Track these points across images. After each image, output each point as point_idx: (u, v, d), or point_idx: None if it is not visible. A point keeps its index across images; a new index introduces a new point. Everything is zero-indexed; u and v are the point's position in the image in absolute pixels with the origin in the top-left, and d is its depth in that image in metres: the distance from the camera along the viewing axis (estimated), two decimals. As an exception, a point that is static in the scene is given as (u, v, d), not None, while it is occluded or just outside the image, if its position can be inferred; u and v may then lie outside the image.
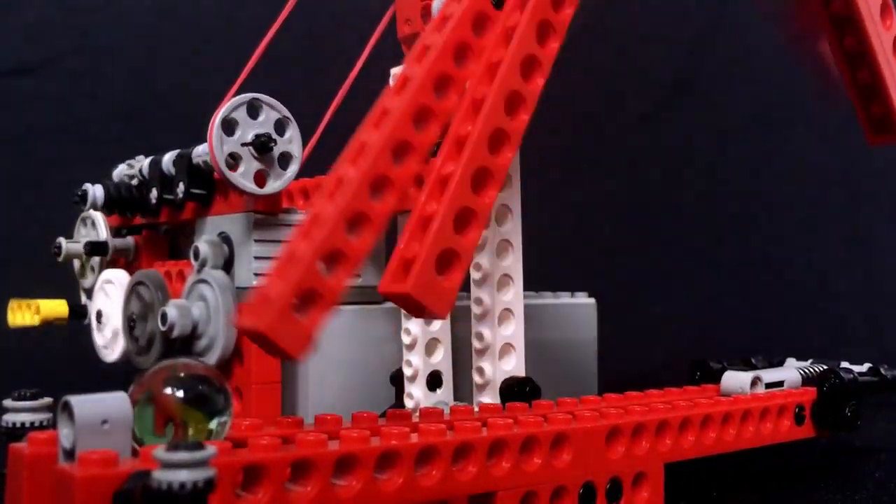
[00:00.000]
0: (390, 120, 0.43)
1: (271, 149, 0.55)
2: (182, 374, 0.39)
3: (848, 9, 0.55)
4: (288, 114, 0.56)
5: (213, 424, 0.39)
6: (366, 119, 0.44)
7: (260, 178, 0.55)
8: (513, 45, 0.47)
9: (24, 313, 0.70)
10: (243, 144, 0.54)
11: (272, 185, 0.55)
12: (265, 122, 0.55)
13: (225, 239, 0.58)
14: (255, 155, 0.55)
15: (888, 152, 1.30)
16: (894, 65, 0.57)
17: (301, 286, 0.39)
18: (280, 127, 0.56)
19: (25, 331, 0.71)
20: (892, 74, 0.57)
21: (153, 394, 0.38)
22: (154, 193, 0.63)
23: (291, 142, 0.56)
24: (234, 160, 0.54)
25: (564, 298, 0.73)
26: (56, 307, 0.70)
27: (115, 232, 0.70)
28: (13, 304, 0.71)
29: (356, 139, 0.43)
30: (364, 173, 0.42)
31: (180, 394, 0.38)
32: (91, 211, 0.69)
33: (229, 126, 0.54)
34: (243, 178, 0.54)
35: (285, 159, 0.56)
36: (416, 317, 0.45)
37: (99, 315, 0.66)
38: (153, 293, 0.59)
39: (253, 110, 0.55)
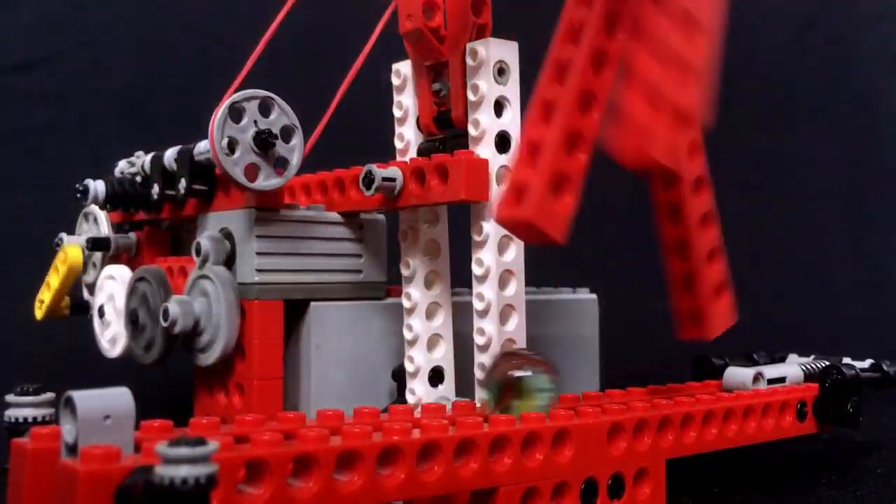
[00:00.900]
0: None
1: (272, 146, 0.55)
2: (519, 360, 0.48)
3: (679, 200, 0.55)
4: (297, 122, 0.56)
5: (542, 400, 0.47)
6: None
7: (251, 172, 0.55)
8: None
9: (52, 278, 0.71)
10: (246, 134, 0.54)
11: (261, 183, 0.55)
12: (273, 123, 0.55)
13: (227, 235, 0.58)
14: (254, 149, 0.55)
15: (889, 153, 1.30)
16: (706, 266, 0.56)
17: (553, 171, 0.41)
18: (286, 133, 0.56)
19: (27, 326, 0.72)
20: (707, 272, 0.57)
21: (499, 375, 0.47)
22: (156, 189, 0.63)
23: (293, 150, 0.56)
24: (231, 146, 0.54)
25: (566, 294, 0.73)
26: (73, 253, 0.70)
27: (117, 228, 0.70)
28: (40, 296, 0.72)
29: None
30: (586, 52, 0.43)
31: (519, 374, 0.48)
32: (93, 207, 0.69)
33: (237, 113, 0.54)
34: (235, 165, 0.54)
35: (282, 164, 0.56)
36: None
37: (101, 310, 0.66)
38: (155, 289, 0.59)
39: (265, 107, 0.55)
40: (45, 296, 0.71)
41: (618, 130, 0.41)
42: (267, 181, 0.55)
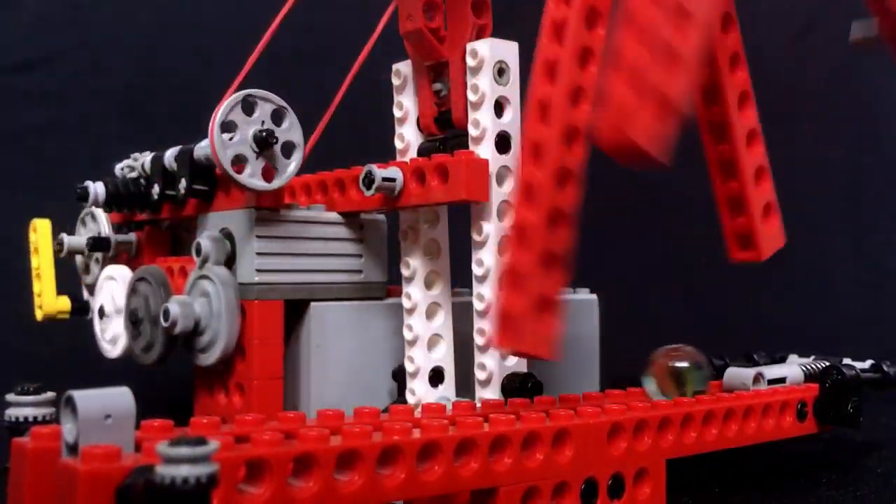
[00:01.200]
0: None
1: (273, 143, 0.55)
2: (680, 353, 0.57)
3: (723, 117, 0.55)
4: (283, 103, 0.56)
5: (698, 387, 0.56)
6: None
7: (268, 173, 0.55)
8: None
9: (37, 285, 0.71)
10: (245, 143, 0.54)
11: (281, 178, 0.55)
12: (262, 117, 0.55)
13: (227, 235, 0.58)
14: (258, 151, 0.55)
15: (889, 153, 1.30)
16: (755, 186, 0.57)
17: (536, 296, 0.44)
18: (277, 117, 0.56)
19: (28, 326, 0.72)
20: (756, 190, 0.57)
21: (664, 366, 0.56)
22: (156, 189, 0.63)
23: (291, 130, 0.56)
24: (239, 161, 0.54)
25: (566, 294, 0.73)
26: (58, 303, 0.71)
27: (118, 228, 0.70)
28: (38, 300, 0.72)
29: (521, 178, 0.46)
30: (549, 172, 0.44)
31: (680, 364, 0.56)
32: (93, 207, 0.69)
33: (228, 127, 0.54)
34: (251, 177, 0.55)
35: (288, 148, 0.56)
36: (634, 165, 0.43)
37: (101, 311, 0.66)
38: (155, 289, 0.59)
39: (248, 107, 0.55)
40: (39, 287, 0.71)
41: (600, 113, 0.41)
42: (251, 178, 0.55)
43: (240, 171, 0.54)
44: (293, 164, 0.56)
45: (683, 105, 0.42)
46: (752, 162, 0.56)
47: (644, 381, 0.57)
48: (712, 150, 0.57)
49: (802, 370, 0.63)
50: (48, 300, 0.70)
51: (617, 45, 0.42)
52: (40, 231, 0.70)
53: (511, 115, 0.56)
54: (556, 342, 0.45)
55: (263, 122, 0.55)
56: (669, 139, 0.41)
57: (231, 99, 0.55)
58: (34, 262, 0.71)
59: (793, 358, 0.69)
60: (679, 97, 0.41)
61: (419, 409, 0.50)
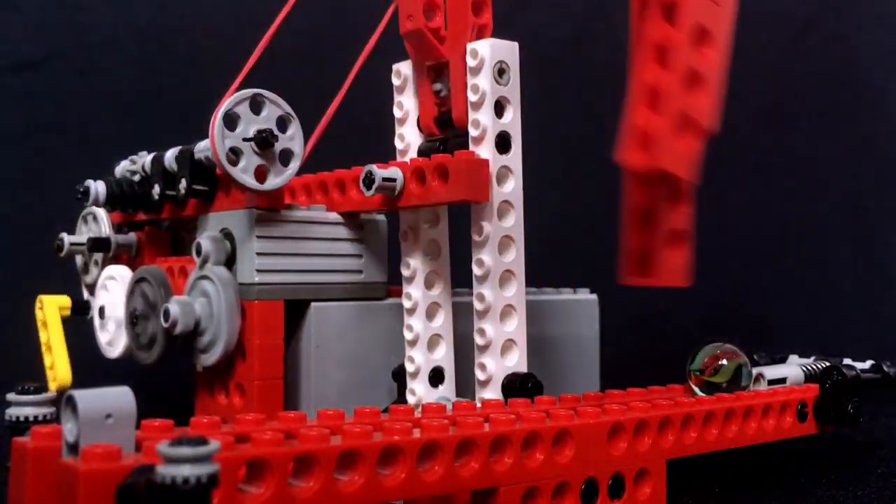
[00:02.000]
0: None
1: (272, 144, 0.55)
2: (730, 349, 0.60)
3: None
4: (290, 111, 0.56)
5: (744, 381, 0.59)
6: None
7: (260, 174, 0.55)
8: None
9: (48, 358, 0.71)
10: (245, 140, 0.54)
11: (272, 181, 0.55)
12: (268, 119, 0.55)
13: (227, 235, 0.58)
14: (257, 150, 0.55)
15: (889, 153, 1.30)
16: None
17: (677, 114, 0.40)
18: (282, 124, 0.56)
19: (28, 326, 0.72)
20: None
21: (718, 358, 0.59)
22: (156, 189, 0.63)
23: (293, 139, 0.56)
24: (235, 155, 0.54)
25: (567, 294, 0.73)
26: (58, 303, 0.70)
27: (118, 228, 0.70)
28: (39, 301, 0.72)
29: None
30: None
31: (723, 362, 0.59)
32: (93, 207, 0.69)
33: (231, 120, 0.54)
34: (243, 172, 0.54)
35: (286, 156, 0.56)
36: (664, 186, 0.43)
37: (102, 311, 0.66)
38: (156, 289, 0.59)
39: (256, 106, 0.55)
40: (50, 360, 0.70)
41: (625, 138, 0.41)
42: (277, 178, 0.55)
43: (234, 164, 0.54)
44: (289, 170, 0.56)
45: (710, 124, 0.42)
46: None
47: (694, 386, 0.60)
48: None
49: (803, 370, 0.63)
50: (62, 373, 0.70)
51: (637, 69, 0.41)
52: (47, 308, 0.69)
53: (511, 115, 0.56)
54: (695, 163, 0.42)
55: (268, 125, 0.55)
56: (697, 159, 0.41)
57: (241, 93, 0.55)
58: (43, 336, 0.70)
59: (793, 358, 0.69)
60: (705, 118, 0.41)
61: (419, 409, 0.50)
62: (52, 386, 0.69)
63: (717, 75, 0.44)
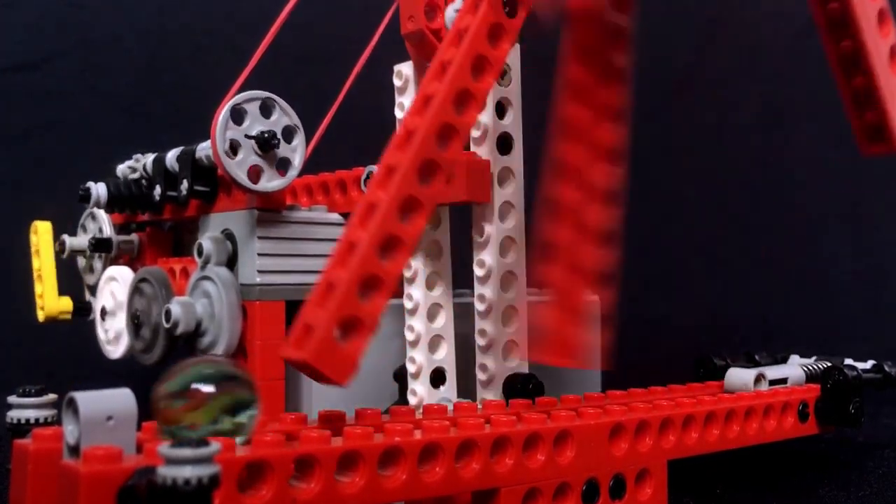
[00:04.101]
0: (415, 141, 0.43)
1: (273, 149, 0.55)
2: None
3: (844, 11, 0.54)
4: (298, 123, 0.56)
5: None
6: (391, 141, 0.45)
7: (254, 173, 0.55)
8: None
9: (38, 286, 0.71)
10: (247, 136, 0.54)
11: (265, 184, 0.55)
12: (275, 125, 0.56)
13: (229, 236, 0.58)
14: (257, 150, 0.55)
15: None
16: (890, 73, 0.55)
17: (342, 314, 0.40)
18: (288, 133, 0.56)
19: (29, 327, 0.72)
20: (888, 83, 0.55)
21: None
22: (158, 190, 0.63)
23: (295, 151, 0.56)
24: (233, 149, 0.54)
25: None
26: (60, 304, 0.71)
27: (119, 229, 0.70)
28: (39, 301, 0.72)
29: (383, 162, 0.44)
30: (392, 197, 0.42)
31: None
32: (95, 208, 0.69)
33: (238, 115, 0.55)
34: (238, 167, 0.54)
35: (284, 164, 0.56)
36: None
37: (103, 312, 0.66)
38: (157, 290, 0.59)
39: (266, 109, 0.56)
40: (41, 288, 0.71)
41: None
42: (269, 182, 0.55)
43: (256, 181, 0.55)
44: (298, 154, 0.56)
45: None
46: (882, 47, 0.54)
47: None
48: (833, 48, 0.54)
49: (804, 371, 0.63)
50: (50, 301, 0.70)
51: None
52: (41, 233, 0.70)
53: (512, 116, 0.56)
54: (353, 370, 0.41)
55: (274, 129, 0.55)
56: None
57: (255, 92, 0.55)
58: (35, 263, 0.71)
59: (794, 359, 0.69)
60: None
61: (420, 410, 0.50)
62: (40, 315, 0.70)
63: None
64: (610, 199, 0.49)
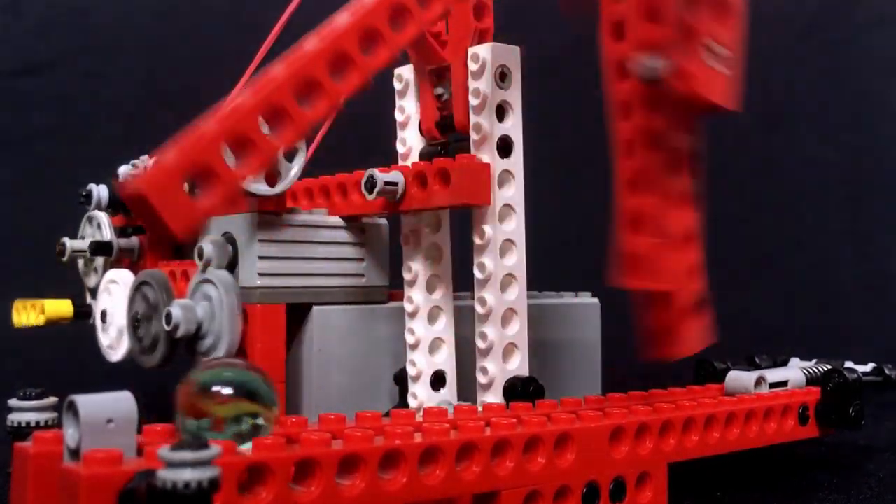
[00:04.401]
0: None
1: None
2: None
3: None
4: (302, 143, 0.56)
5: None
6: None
7: (270, 177, 0.55)
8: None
9: (30, 313, 0.71)
10: None
11: (283, 183, 0.56)
12: None
13: (229, 239, 0.58)
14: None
15: (889, 155, 1.30)
16: None
17: (198, 162, 0.38)
18: (290, 153, 0.56)
19: (30, 330, 0.72)
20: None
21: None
22: (158, 193, 0.63)
23: (294, 157, 0.56)
24: None
25: (568, 298, 0.73)
26: (60, 307, 0.71)
27: (120, 232, 0.71)
28: (18, 305, 0.72)
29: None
30: (290, 74, 0.41)
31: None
32: (96, 211, 0.69)
33: None
34: (255, 182, 0.55)
35: (290, 153, 0.56)
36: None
37: (103, 315, 0.66)
38: (158, 293, 0.59)
39: None
40: (24, 316, 0.71)
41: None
42: (286, 177, 0.55)
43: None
44: (294, 170, 0.56)
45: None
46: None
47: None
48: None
49: (804, 373, 0.63)
50: (50, 307, 0.71)
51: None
52: (48, 311, 0.70)
53: (513, 119, 0.56)
54: (193, 224, 0.38)
55: None
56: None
57: None
58: (35, 312, 0.71)
59: (794, 361, 0.69)
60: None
61: (421, 413, 0.50)
62: (40, 319, 0.70)
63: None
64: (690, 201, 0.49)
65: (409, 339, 0.58)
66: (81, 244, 0.70)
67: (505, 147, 0.56)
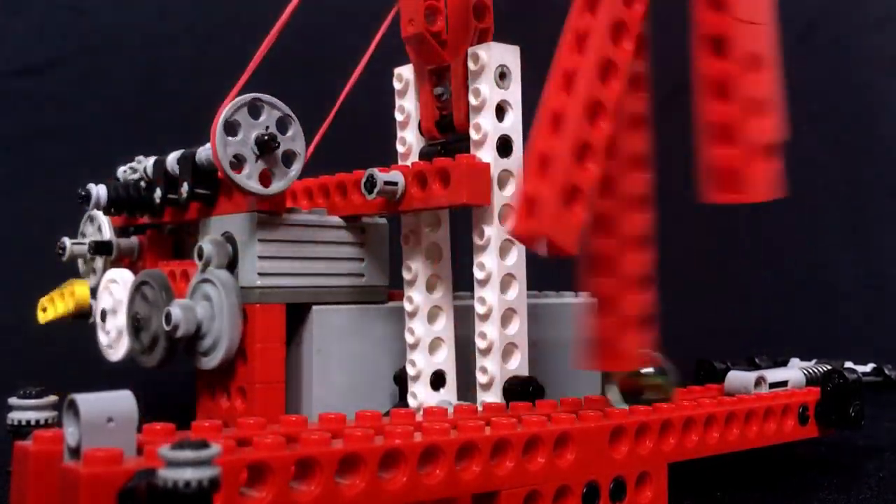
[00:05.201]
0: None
1: (275, 148, 0.55)
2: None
3: None
4: (289, 112, 0.56)
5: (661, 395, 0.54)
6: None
7: (265, 178, 0.55)
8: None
9: (57, 304, 0.71)
10: (250, 147, 0.54)
11: (277, 185, 0.56)
12: (267, 122, 0.55)
13: (229, 238, 0.58)
14: (259, 154, 0.55)
15: (890, 155, 1.30)
16: None
17: (566, 184, 0.41)
18: (282, 125, 0.56)
19: (30, 330, 0.72)
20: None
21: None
22: (158, 193, 0.63)
23: (294, 139, 0.56)
24: (238, 161, 0.55)
25: (568, 298, 0.73)
26: (85, 289, 0.71)
27: (120, 232, 0.71)
28: (44, 301, 0.72)
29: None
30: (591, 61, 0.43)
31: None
32: (95, 211, 0.69)
33: (231, 128, 0.55)
34: (248, 179, 0.55)
35: (289, 157, 0.56)
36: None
37: (103, 314, 0.66)
38: (157, 293, 0.59)
39: (254, 110, 0.55)
40: (51, 309, 0.71)
41: (708, 179, 0.42)
42: (281, 180, 0.55)
43: (238, 172, 0.55)
44: (293, 171, 0.56)
45: (777, 141, 0.43)
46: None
47: (607, 389, 0.54)
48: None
49: (804, 374, 0.63)
50: (80, 290, 0.71)
51: (697, 111, 0.43)
52: (78, 293, 0.71)
53: (512, 119, 0.56)
54: (579, 235, 0.42)
55: (268, 127, 0.55)
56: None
57: (238, 100, 0.55)
58: (58, 299, 0.72)
59: (794, 361, 0.69)
60: (772, 136, 0.43)
61: (421, 413, 0.50)
62: (41, 317, 0.71)
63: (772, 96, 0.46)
64: (645, 206, 0.49)
65: (409, 338, 0.58)
66: (81, 244, 0.70)
67: (505, 147, 0.56)
